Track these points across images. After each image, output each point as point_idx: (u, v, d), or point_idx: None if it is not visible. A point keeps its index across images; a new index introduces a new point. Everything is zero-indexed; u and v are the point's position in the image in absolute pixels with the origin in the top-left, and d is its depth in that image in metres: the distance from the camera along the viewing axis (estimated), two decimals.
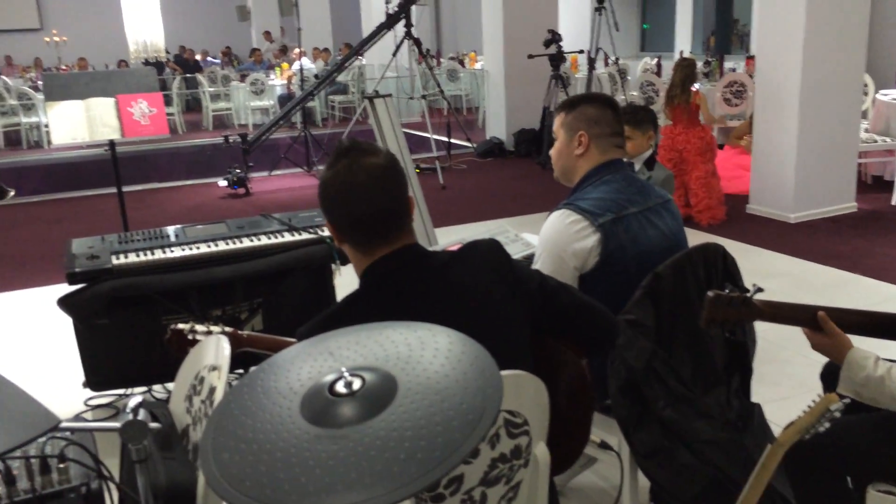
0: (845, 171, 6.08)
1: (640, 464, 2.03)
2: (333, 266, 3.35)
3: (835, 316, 1.73)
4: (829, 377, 2.01)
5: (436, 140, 8.46)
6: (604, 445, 2.18)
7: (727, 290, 1.72)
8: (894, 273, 4.66)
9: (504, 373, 1.08)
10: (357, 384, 1.03)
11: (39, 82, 12.62)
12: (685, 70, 5.76)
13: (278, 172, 8.78)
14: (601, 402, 2.14)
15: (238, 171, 7.82)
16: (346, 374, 1.04)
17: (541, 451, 1.46)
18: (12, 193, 3.54)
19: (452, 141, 9.12)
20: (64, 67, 16.60)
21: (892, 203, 6.30)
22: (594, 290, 2.02)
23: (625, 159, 2.34)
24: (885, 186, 6.68)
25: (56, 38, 17.63)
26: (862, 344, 1.73)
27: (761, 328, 2.06)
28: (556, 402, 1.50)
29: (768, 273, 4.74)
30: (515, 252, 2.64)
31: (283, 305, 3.28)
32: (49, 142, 10.09)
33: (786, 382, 3.33)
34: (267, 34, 16.80)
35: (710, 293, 1.71)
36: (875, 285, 4.52)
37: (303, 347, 1.18)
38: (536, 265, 2.17)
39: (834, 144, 5.91)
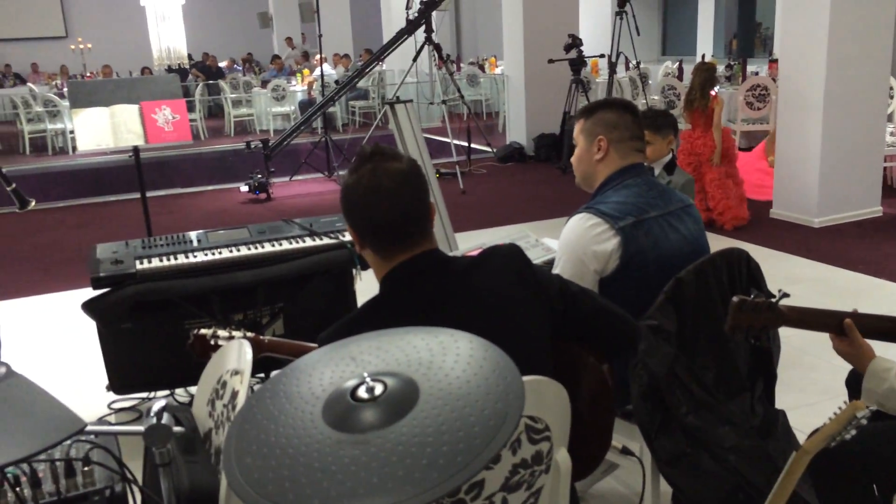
0: (871, 175, 6.01)
1: (663, 470, 2.02)
2: (354, 271, 3.36)
3: (861, 322, 1.71)
4: (855, 383, 1.99)
5: (456, 145, 8.47)
6: (625, 451, 2.17)
7: (752, 296, 1.70)
8: None
9: (525, 378, 1.08)
10: (379, 389, 1.03)
11: (65, 89, 12.79)
12: (704, 74, 5.73)
13: (299, 178, 8.83)
14: (622, 408, 2.13)
15: (259, 176, 7.87)
16: (368, 380, 1.04)
17: (562, 457, 1.45)
18: (33, 203, 3.59)
19: (472, 146, 9.12)
20: (89, 74, 16.81)
21: None
22: (615, 293, 2.01)
23: (645, 164, 2.33)
24: None
25: (81, 46, 17.86)
26: (889, 351, 1.71)
27: (786, 333, 2.04)
28: (577, 408, 1.50)
29: (792, 278, 4.70)
30: (535, 257, 2.64)
31: (305, 310, 3.29)
32: (74, 148, 10.22)
33: (811, 389, 3.30)
34: (289, 40, 16.93)
35: (735, 298, 1.70)
36: None
37: (325, 352, 1.18)
38: (557, 269, 2.16)
39: (859, 148, 5.84)
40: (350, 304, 3.37)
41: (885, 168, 6.33)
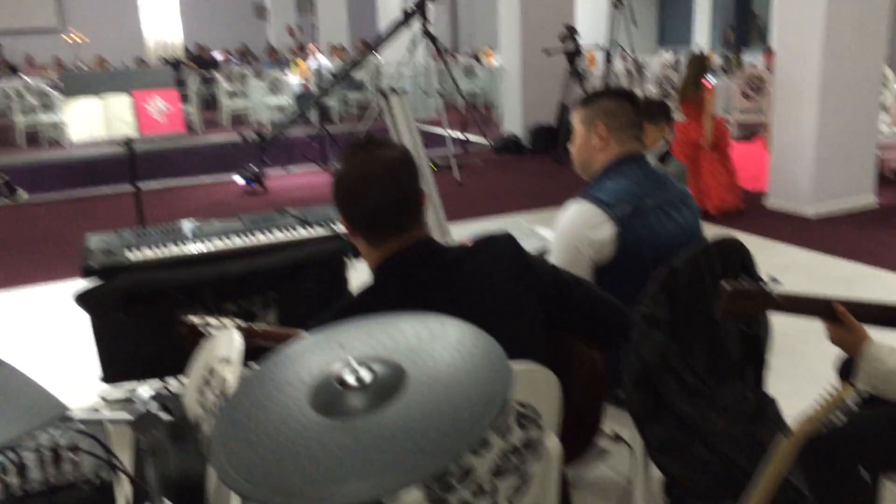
0: (865, 165, 6.02)
1: (654, 456, 2.02)
2: (348, 260, 3.35)
3: (852, 308, 1.70)
4: (845, 370, 1.99)
5: (452, 137, 8.45)
6: (617, 437, 2.17)
7: (744, 283, 1.70)
8: None
9: (515, 365, 1.07)
10: (366, 375, 1.02)
11: (58, 81, 12.73)
12: (697, 65, 5.76)
13: (295, 169, 8.82)
14: (613, 394, 2.13)
15: (255, 168, 7.85)
16: (355, 365, 1.04)
17: (552, 444, 1.45)
18: (26, 197, 3.57)
19: (469, 137, 9.10)
20: (83, 67, 16.73)
21: None
22: (610, 282, 2.01)
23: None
24: None
25: (76, 38, 17.78)
26: (880, 336, 1.70)
27: (777, 320, 2.04)
28: (568, 395, 1.50)
29: (786, 267, 4.70)
30: (529, 246, 2.62)
31: (298, 300, 3.28)
32: (68, 140, 10.18)
33: (801, 375, 3.29)
34: (290, 29, 16.88)
35: (727, 285, 1.69)
36: (895, 279, 4.47)
37: (313, 339, 1.18)
38: (552, 255, 2.16)
39: (853, 138, 5.85)
40: (343, 294, 3.36)
41: (879, 158, 6.34)
